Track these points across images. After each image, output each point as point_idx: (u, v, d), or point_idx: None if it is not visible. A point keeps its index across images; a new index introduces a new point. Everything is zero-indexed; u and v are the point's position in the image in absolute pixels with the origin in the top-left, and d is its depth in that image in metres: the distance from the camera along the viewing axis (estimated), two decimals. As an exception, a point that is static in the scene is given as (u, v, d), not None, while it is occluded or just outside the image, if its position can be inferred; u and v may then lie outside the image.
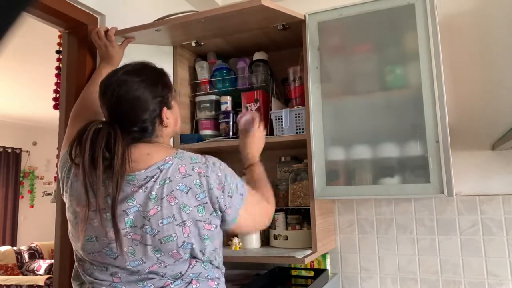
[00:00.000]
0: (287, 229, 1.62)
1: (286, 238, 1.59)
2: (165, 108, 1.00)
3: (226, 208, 0.95)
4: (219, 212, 0.95)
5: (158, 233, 0.88)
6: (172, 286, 0.91)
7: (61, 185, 1.02)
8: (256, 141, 1.30)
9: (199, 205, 0.91)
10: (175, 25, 1.48)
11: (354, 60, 1.51)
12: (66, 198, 0.98)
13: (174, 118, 1.05)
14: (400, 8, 1.43)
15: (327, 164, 1.48)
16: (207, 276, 0.96)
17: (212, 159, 0.99)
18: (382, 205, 1.74)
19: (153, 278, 0.91)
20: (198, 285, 0.94)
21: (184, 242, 0.89)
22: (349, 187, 1.45)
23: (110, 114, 0.97)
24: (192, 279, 0.94)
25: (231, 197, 0.96)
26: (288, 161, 1.82)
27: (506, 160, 1.58)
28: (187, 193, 0.90)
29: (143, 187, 0.89)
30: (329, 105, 1.51)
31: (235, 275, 1.79)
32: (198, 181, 0.92)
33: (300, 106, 1.62)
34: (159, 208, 0.88)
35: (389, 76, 1.46)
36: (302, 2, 1.88)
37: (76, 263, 1.01)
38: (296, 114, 1.60)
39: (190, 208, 0.90)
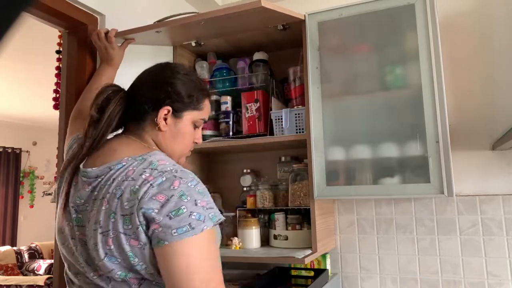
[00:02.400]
0: (287, 229, 1.62)
1: (286, 238, 1.59)
2: (169, 108, 0.91)
3: (153, 220, 0.74)
4: (144, 227, 0.75)
5: (90, 238, 0.79)
6: None
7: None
8: None
9: (126, 215, 0.76)
10: (175, 26, 1.48)
11: (354, 60, 1.51)
12: None
13: (175, 131, 0.93)
14: (400, 8, 1.43)
15: (327, 164, 1.48)
16: None
17: (185, 173, 0.80)
18: (382, 205, 1.74)
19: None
20: None
21: (106, 254, 0.76)
22: (349, 187, 1.45)
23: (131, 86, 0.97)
24: None
25: (170, 218, 0.73)
26: (288, 161, 1.82)
27: (506, 160, 1.58)
28: (118, 198, 0.77)
29: (90, 186, 0.83)
30: (329, 105, 1.50)
31: (235, 275, 1.80)
32: (137, 187, 0.77)
33: (300, 106, 1.62)
34: (95, 211, 0.79)
35: (389, 76, 1.46)
36: (302, 2, 1.88)
37: None
38: (296, 114, 1.60)
39: (116, 217, 0.76)
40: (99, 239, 0.77)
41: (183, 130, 0.94)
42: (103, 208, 0.78)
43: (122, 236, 0.75)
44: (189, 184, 0.78)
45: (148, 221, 0.74)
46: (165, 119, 0.91)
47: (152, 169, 0.80)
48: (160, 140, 0.92)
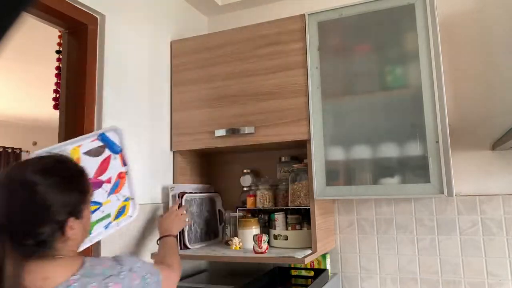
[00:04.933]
0: (287, 229, 1.62)
1: (286, 238, 1.59)
2: (71, 219, 0.83)
3: None
4: None
5: None
6: None
7: None
8: (177, 220, 1.47)
9: None
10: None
11: (354, 60, 1.51)
12: None
13: (82, 228, 0.87)
14: (400, 8, 1.43)
15: (327, 164, 1.48)
16: None
17: (128, 262, 0.91)
18: (382, 205, 1.74)
19: None
20: None
21: None
22: (349, 187, 1.45)
23: None
24: None
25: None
26: (288, 161, 1.82)
27: (506, 160, 1.58)
28: None
29: None
30: (329, 105, 1.51)
31: (235, 275, 1.79)
32: None
33: (300, 106, 1.62)
34: None
35: (389, 76, 1.46)
36: (302, 2, 1.88)
37: None
38: (296, 114, 1.60)
39: None
40: None
41: (87, 221, 0.92)
42: None
43: None
44: (135, 268, 0.93)
45: None
46: (72, 228, 0.84)
47: (110, 276, 0.84)
48: (72, 244, 0.86)
